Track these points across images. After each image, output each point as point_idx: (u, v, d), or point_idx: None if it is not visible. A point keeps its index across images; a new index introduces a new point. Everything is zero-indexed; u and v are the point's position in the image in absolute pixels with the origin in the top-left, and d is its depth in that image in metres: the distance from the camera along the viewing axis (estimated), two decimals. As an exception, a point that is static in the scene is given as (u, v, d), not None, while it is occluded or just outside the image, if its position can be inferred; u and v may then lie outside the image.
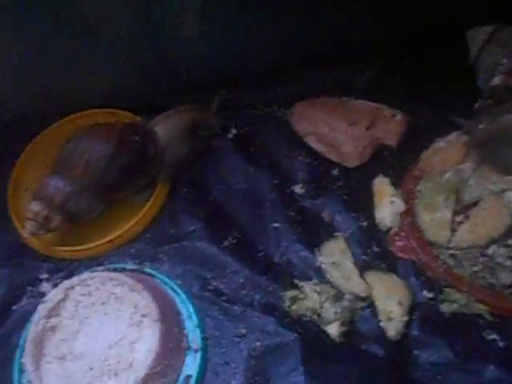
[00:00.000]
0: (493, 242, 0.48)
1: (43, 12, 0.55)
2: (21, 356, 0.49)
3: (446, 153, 0.54)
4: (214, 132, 0.61)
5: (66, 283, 0.50)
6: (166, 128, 0.56)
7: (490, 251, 0.48)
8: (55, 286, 0.52)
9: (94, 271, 0.52)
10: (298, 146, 0.58)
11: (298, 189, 0.56)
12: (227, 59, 0.61)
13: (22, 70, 0.61)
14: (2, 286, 0.55)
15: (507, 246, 0.48)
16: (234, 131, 0.62)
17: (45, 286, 0.54)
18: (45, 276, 0.55)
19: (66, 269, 0.55)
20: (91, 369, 0.46)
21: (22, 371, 0.49)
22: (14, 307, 0.53)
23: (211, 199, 0.57)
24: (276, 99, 0.62)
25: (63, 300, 0.49)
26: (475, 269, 0.48)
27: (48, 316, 0.48)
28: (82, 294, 0.50)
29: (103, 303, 0.49)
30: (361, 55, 0.60)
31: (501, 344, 0.45)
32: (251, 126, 0.61)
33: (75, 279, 0.50)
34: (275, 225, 0.54)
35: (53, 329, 0.48)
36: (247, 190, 0.57)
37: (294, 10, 0.57)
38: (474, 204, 0.51)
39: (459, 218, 0.51)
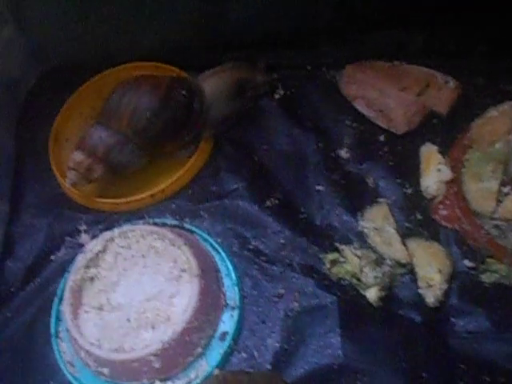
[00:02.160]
0: (538, 215, 0.48)
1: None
2: (59, 304, 0.50)
3: (498, 122, 0.53)
4: (261, 92, 0.60)
5: (106, 235, 0.50)
6: (213, 84, 0.55)
7: (534, 224, 0.48)
8: (94, 237, 0.53)
9: (134, 224, 0.52)
10: (345, 109, 0.57)
11: (344, 153, 0.56)
12: (279, 18, 0.59)
13: (70, 18, 0.59)
14: (41, 236, 0.55)
15: (552, 220, 0.48)
16: (281, 92, 0.61)
17: (83, 238, 0.54)
18: (84, 227, 0.55)
19: (105, 221, 0.55)
20: (128, 320, 0.46)
21: (59, 319, 0.49)
22: (53, 257, 0.53)
23: (255, 159, 0.57)
24: (326, 61, 0.61)
25: (103, 251, 0.49)
26: (519, 240, 0.48)
27: (87, 266, 0.49)
28: (122, 247, 0.50)
29: (143, 256, 0.49)
30: (415, 19, 0.58)
31: (539, 316, 0.45)
32: (299, 87, 0.60)
33: (115, 231, 0.50)
34: (318, 187, 0.54)
35: (91, 279, 0.48)
36: (292, 151, 0.56)
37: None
38: (522, 176, 0.50)
39: (506, 189, 0.50)
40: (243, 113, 0.59)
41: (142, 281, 0.48)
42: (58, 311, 0.49)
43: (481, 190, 0.50)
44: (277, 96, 0.61)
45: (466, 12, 0.55)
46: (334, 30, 0.59)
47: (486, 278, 0.47)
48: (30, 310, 0.50)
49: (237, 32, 0.60)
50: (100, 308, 0.47)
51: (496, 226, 0.49)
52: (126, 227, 0.51)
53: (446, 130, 0.54)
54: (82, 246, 0.53)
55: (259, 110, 0.60)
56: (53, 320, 0.49)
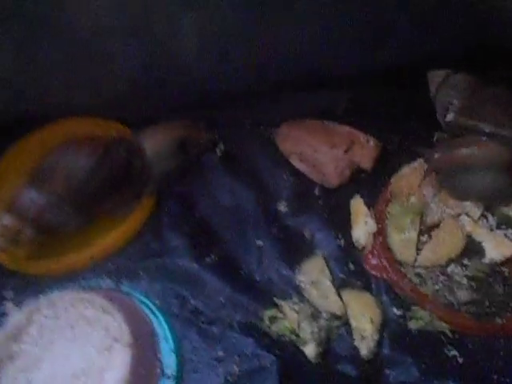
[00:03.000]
0: (451, 261, 0.52)
1: (40, 23, 0.51)
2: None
3: (411, 178, 0.57)
4: (202, 149, 0.59)
5: (31, 305, 0.46)
6: (154, 142, 0.54)
7: (449, 270, 0.52)
8: (20, 305, 0.48)
9: (64, 290, 0.49)
10: (282, 165, 0.59)
11: (282, 207, 0.57)
12: (220, 79, 0.60)
13: (9, 75, 0.55)
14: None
15: (463, 266, 0.52)
16: (223, 148, 0.61)
17: (8, 307, 0.49)
18: (10, 295, 0.50)
19: (35, 287, 0.50)
20: (52, 404, 0.41)
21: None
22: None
23: (196, 215, 0.56)
24: (263, 119, 0.62)
25: (26, 324, 0.45)
26: (437, 287, 0.51)
27: (7, 343, 0.44)
28: (48, 317, 0.45)
29: (71, 326, 0.45)
30: (342, 83, 0.62)
31: (460, 360, 0.47)
32: (239, 144, 0.61)
33: (41, 300, 0.46)
34: (258, 242, 0.54)
35: (11, 358, 0.43)
36: (233, 206, 0.56)
37: (282, 37, 0.57)
38: (436, 226, 0.54)
39: (424, 239, 0.54)
40: (186, 169, 0.58)
41: (70, 355, 0.44)
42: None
43: (402, 240, 0.54)
44: (218, 153, 0.61)
45: (386, 76, 0.60)
46: (271, 91, 0.61)
47: (413, 324, 0.50)
48: None
49: (181, 91, 0.60)
50: (19, 392, 0.42)
51: (417, 274, 0.52)
52: (54, 295, 0.47)
53: (372, 184, 0.57)
54: (6, 315, 0.48)
55: (201, 166, 0.59)
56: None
